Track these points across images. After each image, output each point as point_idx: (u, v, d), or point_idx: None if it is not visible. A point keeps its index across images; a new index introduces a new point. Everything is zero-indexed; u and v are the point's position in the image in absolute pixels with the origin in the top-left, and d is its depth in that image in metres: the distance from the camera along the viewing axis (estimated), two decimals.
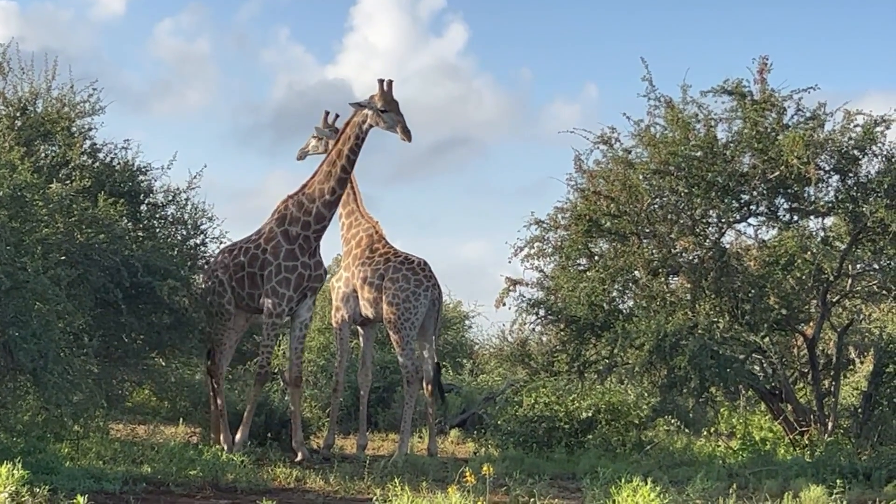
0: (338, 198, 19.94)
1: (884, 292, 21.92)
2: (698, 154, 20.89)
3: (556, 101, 65.96)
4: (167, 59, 68.13)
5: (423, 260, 21.08)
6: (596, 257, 22.08)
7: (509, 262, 22.34)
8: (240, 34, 67.67)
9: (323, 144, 21.74)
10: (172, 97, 65.22)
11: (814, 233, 21.64)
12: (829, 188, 21.25)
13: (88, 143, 20.30)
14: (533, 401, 22.17)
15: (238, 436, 19.52)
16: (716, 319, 20.60)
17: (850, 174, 20.96)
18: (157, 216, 20.95)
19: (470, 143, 64.02)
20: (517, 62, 68.83)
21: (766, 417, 22.56)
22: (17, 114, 19.87)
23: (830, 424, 21.02)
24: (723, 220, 21.65)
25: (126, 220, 19.44)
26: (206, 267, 20.77)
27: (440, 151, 59.36)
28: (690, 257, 21.49)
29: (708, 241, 21.52)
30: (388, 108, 19.57)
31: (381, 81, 19.63)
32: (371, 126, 19.59)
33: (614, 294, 21.88)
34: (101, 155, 20.49)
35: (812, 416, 21.30)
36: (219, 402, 20.02)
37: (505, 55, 67.93)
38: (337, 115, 21.76)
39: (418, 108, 52.56)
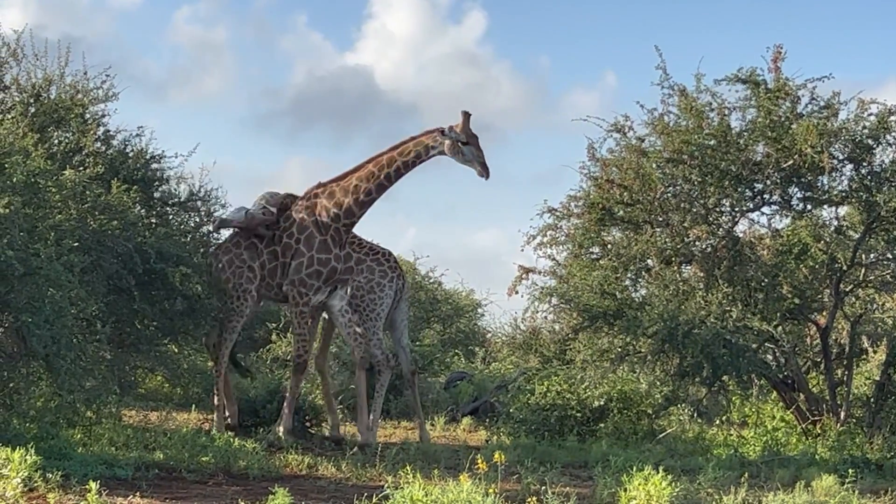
0: (371, 200, 19.88)
1: None
2: (712, 143, 20.86)
3: (574, 90, 65.97)
4: (185, 47, 68.25)
5: (388, 251, 21.16)
6: (609, 246, 22.08)
7: (522, 250, 22.38)
8: (258, 21, 67.66)
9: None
10: (191, 84, 65.37)
11: (827, 222, 21.64)
12: (843, 177, 21.23)
13: (102, 129, 20.28)
14: (545, 389, 22.17)
15: (281, 427, 19.51)
16: (728, 308, 20.56)
17: (864, 163, 20.91)
18: (171, 203, 20.95)
19: (488, 131, 63.85)
20: (536, 50, 68.81)
21: (779, 407, 22.54)
22: (31, 100, 19.85)
23: (843, 414, 21.00)
24: (736, 209, 21.63)
25: (139, 207, 19.45)
26: (224, 246, 20.50)
27: None
28: (703, 246, 21.47)
29: (721, 229, 21.51)
30: (469, 142, 19.55)
31: (464, 113, 19.58)
32: (439, 153, 19.60)
33: (627, 282, 21.87)
34: (114, 142, 20.48)
35: (824, 406, 21.29)
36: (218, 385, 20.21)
37: (524, 43, 67.87)
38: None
39: (436, 95, 52.60)
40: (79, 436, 16.83)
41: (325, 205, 19.87)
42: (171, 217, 20.80)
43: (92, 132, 19.77)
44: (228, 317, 19.96)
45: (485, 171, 19.61)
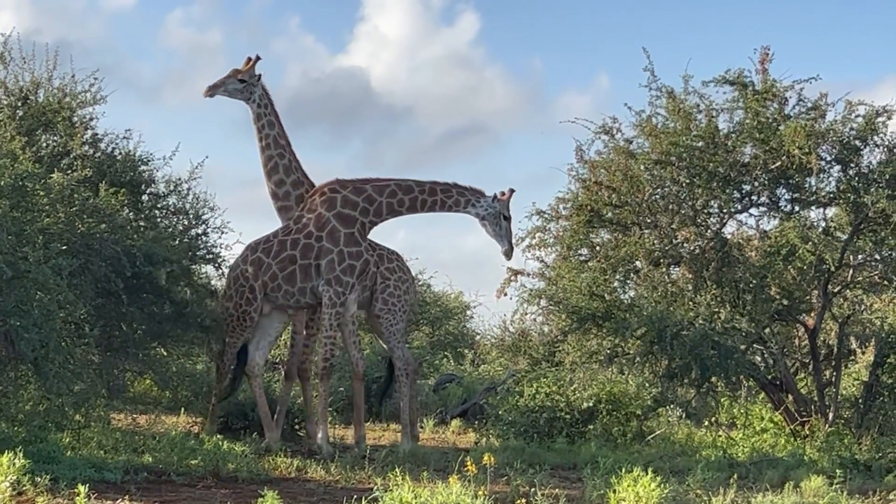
0: (397, 213, 19.85)
1: (885, 283, 21.97)
2: (700, 144, 20.90)
3: (567, 92, 65.99)
4: (179, 50, 68.21)
5: (396, 252, 21.05)
6: (597, 247, 22.11)
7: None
8: (251, 23, 67.69)
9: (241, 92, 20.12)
10: (184, 87, 65.29)
11: (815, 223, 21.67)
12: (831, 178, 21.28)
13: (90, 132, 20.28)
14: (534, 391, 22.17)
15: (320, 433, 19.42)
16: (717, 310, 20.60)
17: (852, 164, 20.96)
18: (159, 206, 20.92)
19: (482, 133, 64.12)
20: (529, 52, 68.90)
21: (767, 408, 22.57)
22: (19, 103, 19.85)
23: (831, 415, 21.04)
24: (724, 211, 21.67)
25: (127, 210, 19.43)
26: (231, 273, 20.13)
27: (452, 140, 59.45)
28: (692, 248, 21.50)
29: (709, 231, 21.54)
30: (508, 218, 19.84)
31: (511, 190, 19.86)
32: (475, 215, 19.77)
33: (615, 284, 21.90)
34: (102, 145, 20.47)
35: (813, 407, 21.33)
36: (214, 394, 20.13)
37: (517, 45, 67.98)
38: (258, 58, 20.20)
39: (430, 97, 52.59)
40: (67, 439, 16.79)
41: (352, 199, 19.49)
42: (159, 220, 20.78)
43: (80, 135, 19.76)
44: (231, 335, 19.78)
45: (511, 251, 20.08)
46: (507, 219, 19.79)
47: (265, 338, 20.23)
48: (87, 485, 12.30)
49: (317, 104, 58.14)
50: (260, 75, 19.96)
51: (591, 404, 21.94)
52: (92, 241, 17.24)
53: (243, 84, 19.81)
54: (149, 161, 20.69)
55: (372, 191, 19.55)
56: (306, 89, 60.73)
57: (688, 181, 20.96)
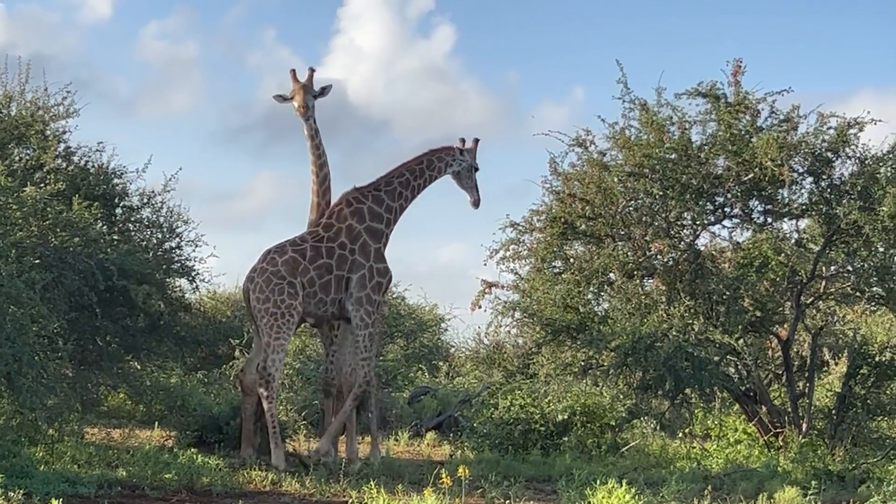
0: (405, 209, 19.69)
1: (857, 294, 22.02)
2: (673, 156, 20.95)
3: (543, 104, 66.04)
4: (154, 63, 68.07)
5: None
6: (571, 260, 22.11)
7: (485, 264, 22.34)
8: (227, 37, 67.64)
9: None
10: (160, 100, 65.18)
11: (788, 235, 21.74)
12: (803, 190, 21.34)
13: (63, 146, 20.27)
14: (509, 403, 22.18)
15: (375, 451, 19.39)
16: (690, 321, 20.64)
17: (824, 176, 21.03)
18: (132, 219, 20.89)
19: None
20: (505, 65, 68.97)
21: (741, 419, 22.61)
22: None
23: (805, 426, 21.09)
24: (697, 223, 21.72)
25: (101, 224, 19.40)
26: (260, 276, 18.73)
27: None
28: (665, 259, 21.55)
29: (682, 243, 21.58)
30: (477, 168, 19.95)
31: (476, 141, 19.94)
32: (453, 172, 19.77)
33: (589, 296, 21.93)
34: (75, 158, 20.46)
35: (786, 418, 21.38)
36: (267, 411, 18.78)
37: (492, 58, 68.04)
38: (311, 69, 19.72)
39: (407, 110, 52.61)
40: (41, 454, 16.74)
41: (377, 210, 19.13)
42: (133, 233, 20.74)
43: (52, 148, 19.74)
44: (275, 337, 18.28)
45: (479, 201, 20.03)
46: (477, 169, 19.90)
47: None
48: (61, 499, 12.28)
49: (294, 117, 58.14)
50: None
51: (565, 416, 21.96)
52: (65, 255, 17.23)
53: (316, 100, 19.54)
54: (122, 174, 20.70)
55: (388, 198, 19.25)
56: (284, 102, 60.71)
57: (661, 193, 21.00)
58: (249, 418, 18.86)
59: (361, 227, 18.89)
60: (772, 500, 15.03)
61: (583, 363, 21.47)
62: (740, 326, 20.92)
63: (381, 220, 19.13)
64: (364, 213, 19.02)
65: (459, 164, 19.79)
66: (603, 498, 13.05)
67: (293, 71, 19.19)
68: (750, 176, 20.69)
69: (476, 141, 19.97)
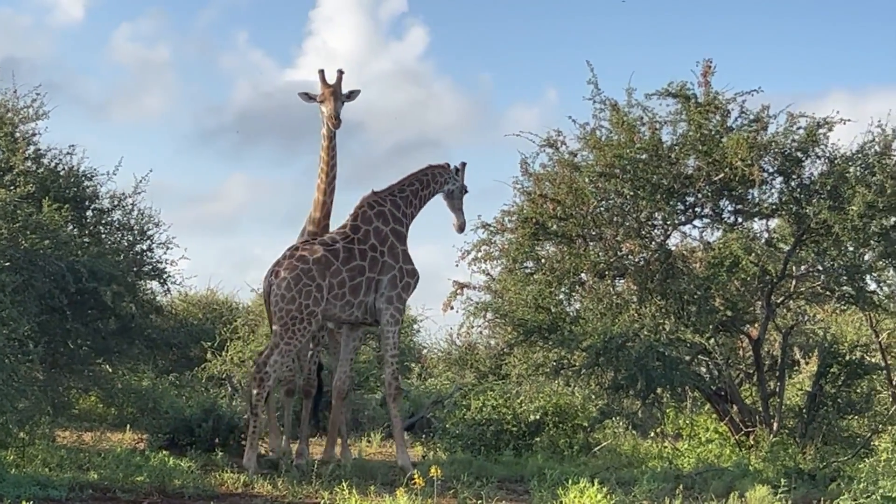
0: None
1: (827, 293, 22.12)
2: (643, 157, 21.00)
3: (516, 105, 66.07)
4: (127, 65, 67.86)
5: None
6: (542, 260, 22.15)
7: (457, 265, 22.36)
8: (199, 39, 67.47)
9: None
10: (133, 103, 64.97)
11: (758, 234, 21.82)
12: (773, 190, 21.41)
13: (32, 148, 20.18)
14: (481, 404, 22.19)
15: (346, 452, 19.44)
16: (662, 321, 20.71)
17: (794, 176, 21.11)
18: (103, 222, 20.82)
19: (431, 147, 64.09)
20: (477, 66, 68.95)
21: (713, 418, 22.70)
22: None
23: (776, 425, 21.17)
24: (668, 223, 21.77)
25: (71, 226, 19.33)
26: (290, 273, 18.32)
27: (401, 154, 59.29)
28: (636, 259, 21.60)
29: (653, 243, 21.64)
30: (466, 191, 20.01)
31: (464, 164, 19.99)
32: (446, 192, 19.82)
33: (561, 297, 21.97)
34: (45, 160, 20.37)
35: (757, 417, 21.47)
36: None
37: (465, 59, 68.02)
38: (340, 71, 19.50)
39: (380, 111, 52.52)
40: (11, 457, 16.66)
41: (397, 214, 19.14)
42: (104, 236, 20.68)
43: (22, 151, 19.65)
44: (289, 341, 18.01)
45: (464, 224, 20.18)
46: (466, 191, 20.02)
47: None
48: (32, 502, 12.23)
49: (267, 119, 58.00)
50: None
51: (537, 417, 21.99)
52: (35, 258, 17.15)
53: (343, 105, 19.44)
54: (93, 176, 20.62)
55: (403, 204, 19.28)
56: (256, 104, 60.61)
57: (632, 193, 21.04)
58: (272, 412, 19.30)
59: (387, 228, 18.88)
60: (743, 499, 15.06)
61: (555, 363, 21.52)
62: (711, 326, 20.99)
63: (401, 224, 19.14)
64: (387, 215, 19.01)
65: (454, 184, 19.86)
66: (575, 497, 13.08)
67: (321, 71, 19.19)
68: (720, 176, 20.75)
69: (463, 164, 20.04)
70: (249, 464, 17.60)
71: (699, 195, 21.39)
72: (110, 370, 20.86)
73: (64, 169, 20.41)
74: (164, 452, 18.27)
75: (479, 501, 13.86)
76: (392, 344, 18.63)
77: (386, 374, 18.86)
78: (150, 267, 20.85)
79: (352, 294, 18.33)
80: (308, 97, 19.27)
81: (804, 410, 21.88)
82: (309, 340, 19.11)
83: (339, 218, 18.98)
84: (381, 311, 18.57)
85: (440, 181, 19.76)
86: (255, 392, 17.89)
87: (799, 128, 20.81)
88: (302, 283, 17.92)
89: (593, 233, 21.53)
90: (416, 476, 12.90)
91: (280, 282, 17.94)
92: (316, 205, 19.29)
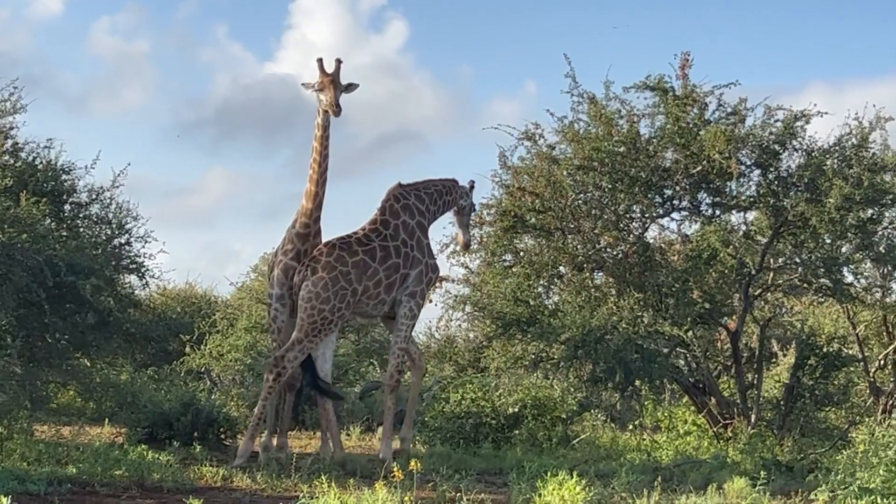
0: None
1: (805, 285, 22.19)
2: (621, 149, 21.04)
3: (496, 98, 66.20)
4: (105, 58, 67.71)
5: None
6: (521, 253, 22.19)
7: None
8: (179, 32, 67.36)
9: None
10: (112, 96, 64.85)
11: (736, 227, 21.91)
12: (751, 182, 21.48)
13: (10, 142, 20.08)
14: (460, 397, 22.22)
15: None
16: (640, 314, 20.75)
17: (771, 168, 21.18)
18: (81, 215, 20.75)
19: (411, 140, 64.11)
20: (457, 59, 69.06)
21: (691, 411, 22.76)
22: None
23: (753, 417, 21.25)
24: (646, 215, 21.82)
25: (49, 220, 19.25)
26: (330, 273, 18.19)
27: (381, 147, 59.39)
28: (614, 252, 21.64)
29: (632, 236, 21.69)
30: (475, 209, 20.36)
31: (473, 183, 20.23)
32: (457, 210, 20.00)
33: (539, 290, 22.01)
34: (23, 154, 20.28)
35: (735, 409, 21.54)
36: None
37: (445, 52, 68.16)
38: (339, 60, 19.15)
39: (359, 105, 52.47)
40: None
41: (420, 207, 19.23)
42: (82, 230, 20.61)
43: None
44: (312, 339, 18.02)
45: (468, 245, 20.55)
46: (474, 209, 20.37)
47: (329, 348, 19.24)
48: (10, 496, 12.19)
49: (246, 112, 58.00)
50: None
51: (516, 409, 22.02)
52: (13, 251, 17.07)
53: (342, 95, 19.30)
54: (71, 170, 20.52)
55: (427, 199, 19.39)
56: (236, 97, 60.54)
57: (610, 186, 21.09)
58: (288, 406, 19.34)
59: (413, 222, 18.99)
60: (721, 491, 15.10)
61: (533, 356, 21.56)
62: (689, 318, 21.04)
63: (425, 217, 19.26)
64: (412, 208, 19.11)
65: (466, 201, 20.05)
66: (553, 490, 13.09)
67: (320, 60, 19.04)
68: (698, 168, 20.81)
69: (472, 183, 20.27)
70: (244, 454, 17.68)
71: (677, 188, 21.43)
72: (89, 364, 20.78)
73: (42, 162, 20.31)
74: (143, 446, 18.24)
75: (458, 494, 13.86)
76: (403, 337, 18.74)
77: (390, 364, 19.06)
78: (129, 261, 20.77)
79: (386, 292, 18.49)
80: (309, 87, 19.18)
81: (782, 402, 21.97)
82: None
83: (329, 210, 18.86)
84: (402, 302, 18.68)
85: (458, 194, 19.91)
86: (269, 384, 17.97)
87: (776, 120, 20.90)
88: (339, 286, 17.96)
89: (572, 226, 21.56)
90: (395, 468, 12.91)
91: (317, 280, 17.93)
92: (308, 195, 19.07)
